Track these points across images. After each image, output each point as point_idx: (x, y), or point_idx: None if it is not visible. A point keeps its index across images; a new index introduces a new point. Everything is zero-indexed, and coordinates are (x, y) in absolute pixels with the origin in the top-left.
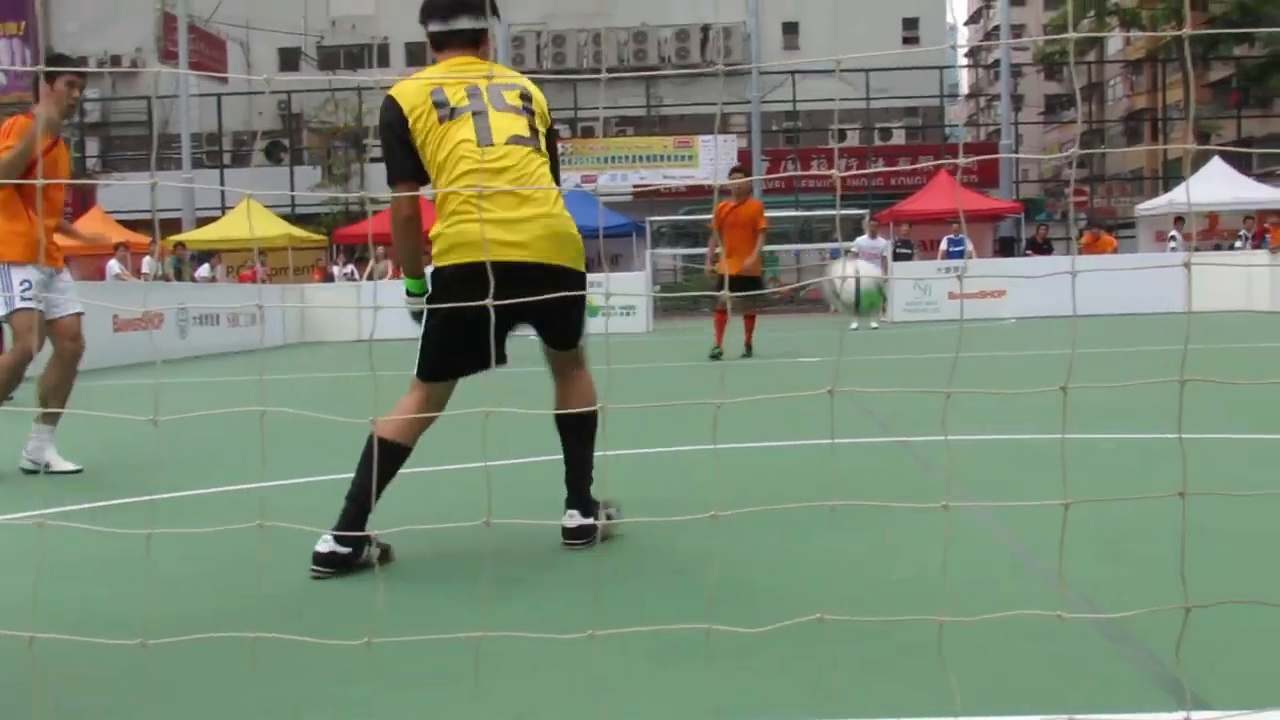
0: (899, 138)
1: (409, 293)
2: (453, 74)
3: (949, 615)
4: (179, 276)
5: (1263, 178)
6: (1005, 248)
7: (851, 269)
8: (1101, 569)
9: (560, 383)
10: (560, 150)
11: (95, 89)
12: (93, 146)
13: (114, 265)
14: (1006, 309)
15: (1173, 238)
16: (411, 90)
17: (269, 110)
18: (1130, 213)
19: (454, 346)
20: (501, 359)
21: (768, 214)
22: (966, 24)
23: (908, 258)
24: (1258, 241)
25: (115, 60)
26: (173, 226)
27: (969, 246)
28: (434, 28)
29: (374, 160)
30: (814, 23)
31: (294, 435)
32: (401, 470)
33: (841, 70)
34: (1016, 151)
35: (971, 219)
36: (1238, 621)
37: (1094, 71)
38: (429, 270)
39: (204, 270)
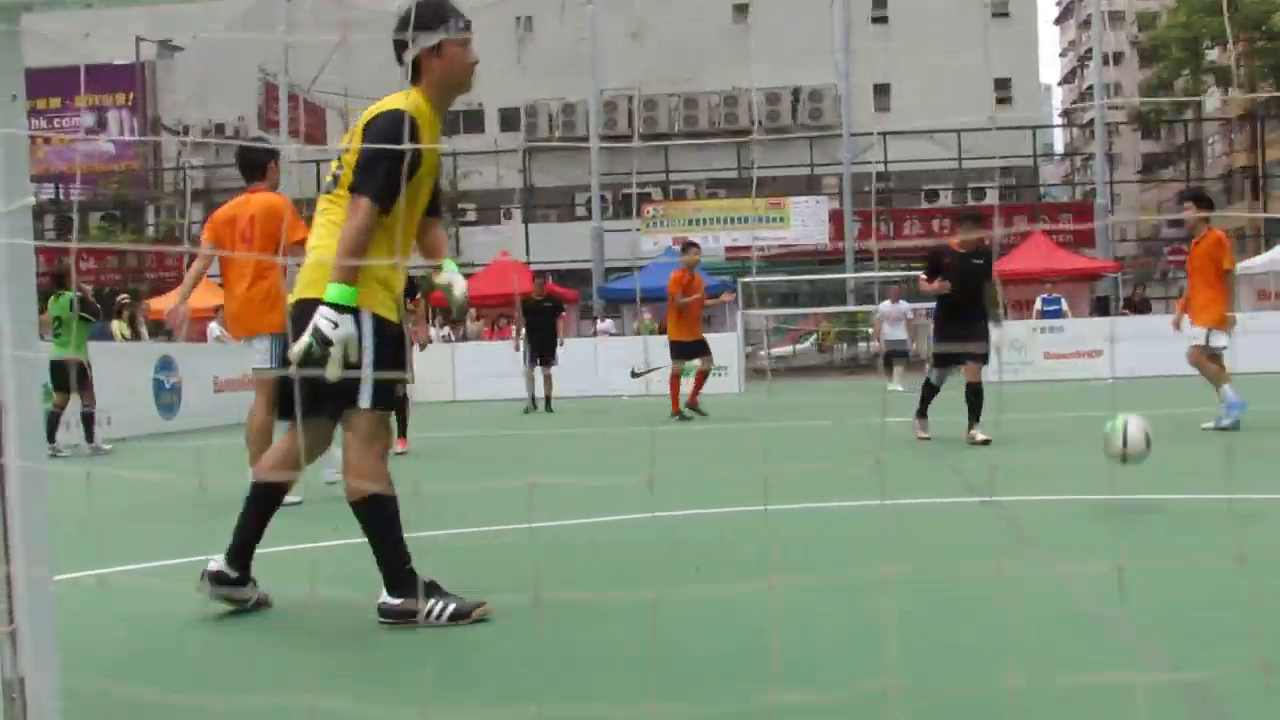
0: (992, 198)
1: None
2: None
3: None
4: None
5: None
6: (1101, 307)
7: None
8: (1174, 631)
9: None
10: (651, 212)
11: (200, 157)
12: (196, 214)
13: (214, 328)
14: (1103, 368)
15: None
16: None
17: None
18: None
19: None
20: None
21: None
22: (1060, 84)
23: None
24: None
25: (219, 129)
26: None
27: (1064, 306)
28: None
29: (465, 224)
30: (905, 85)
31: None
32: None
33: (933, 131)
34: (1112, 211)
35: (1067, 279)
36: None
37: (1191, 130)
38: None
39: None
